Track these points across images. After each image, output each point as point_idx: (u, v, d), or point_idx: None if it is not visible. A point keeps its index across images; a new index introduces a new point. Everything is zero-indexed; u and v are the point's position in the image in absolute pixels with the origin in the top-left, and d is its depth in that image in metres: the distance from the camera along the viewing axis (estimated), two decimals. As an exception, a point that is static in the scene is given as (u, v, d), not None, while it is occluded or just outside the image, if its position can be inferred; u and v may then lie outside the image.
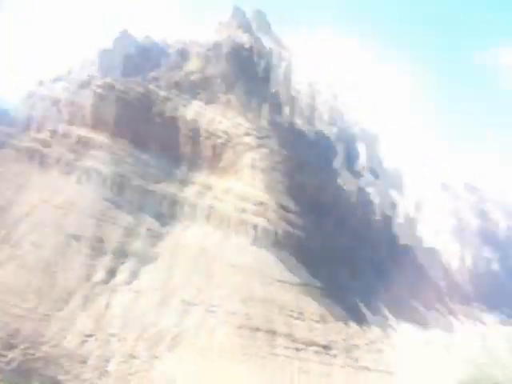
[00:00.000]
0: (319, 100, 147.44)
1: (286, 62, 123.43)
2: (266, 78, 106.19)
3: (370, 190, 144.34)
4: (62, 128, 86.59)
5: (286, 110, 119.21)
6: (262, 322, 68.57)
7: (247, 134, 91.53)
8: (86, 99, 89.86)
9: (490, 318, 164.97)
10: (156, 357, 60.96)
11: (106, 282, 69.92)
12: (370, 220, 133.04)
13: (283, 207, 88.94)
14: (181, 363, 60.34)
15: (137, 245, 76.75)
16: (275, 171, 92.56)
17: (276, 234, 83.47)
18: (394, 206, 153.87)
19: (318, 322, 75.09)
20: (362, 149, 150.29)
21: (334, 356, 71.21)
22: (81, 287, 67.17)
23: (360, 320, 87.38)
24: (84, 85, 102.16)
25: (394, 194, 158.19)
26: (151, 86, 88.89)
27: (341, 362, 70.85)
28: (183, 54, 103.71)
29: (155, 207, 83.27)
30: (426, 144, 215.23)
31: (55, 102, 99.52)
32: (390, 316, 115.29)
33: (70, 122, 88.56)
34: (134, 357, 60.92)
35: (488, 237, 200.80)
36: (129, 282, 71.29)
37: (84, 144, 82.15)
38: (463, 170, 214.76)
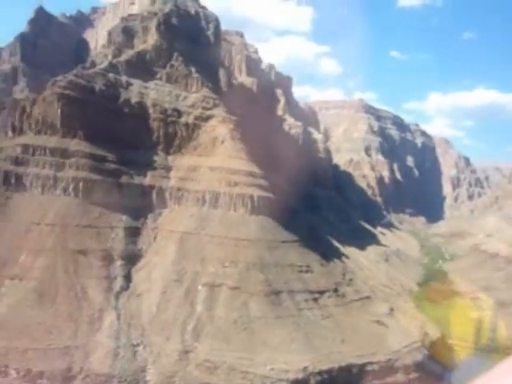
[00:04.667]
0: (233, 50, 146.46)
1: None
2: (216, 43, 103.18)
3: (293, 131, 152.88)
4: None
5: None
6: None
7: (216, 106, 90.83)
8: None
9: (420, 221, 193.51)
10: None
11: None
12: (315, 158, 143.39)
13: (255, 173, 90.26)
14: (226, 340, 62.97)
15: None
16: (241, 139, 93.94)
17: (269, 200, 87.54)
18: (315, 141, 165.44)
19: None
20: (279, 93, 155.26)
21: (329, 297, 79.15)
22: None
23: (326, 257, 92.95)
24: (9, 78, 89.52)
25: (311, 130, 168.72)
26: (111, 74, 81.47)
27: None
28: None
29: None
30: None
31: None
32: (338, 244, 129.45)
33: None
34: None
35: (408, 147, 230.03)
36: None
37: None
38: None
